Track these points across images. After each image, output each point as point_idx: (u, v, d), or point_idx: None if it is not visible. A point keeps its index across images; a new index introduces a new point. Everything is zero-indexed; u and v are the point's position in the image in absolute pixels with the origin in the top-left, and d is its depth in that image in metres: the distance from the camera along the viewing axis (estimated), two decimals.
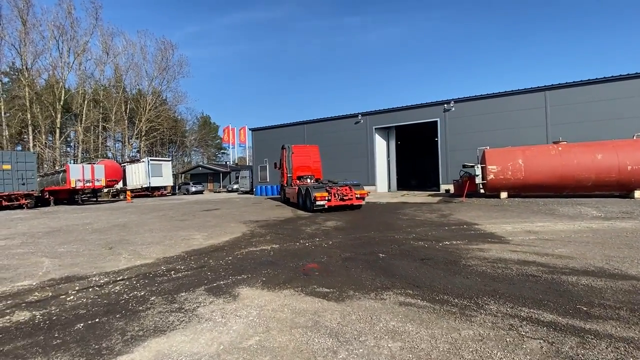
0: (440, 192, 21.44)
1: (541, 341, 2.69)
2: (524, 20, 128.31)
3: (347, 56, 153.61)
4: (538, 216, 9.88)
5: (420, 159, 36.01)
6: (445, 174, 21.70)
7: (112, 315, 3.53)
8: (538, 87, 18.89)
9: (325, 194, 12.58)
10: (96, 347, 2.85)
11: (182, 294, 4.12)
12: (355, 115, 25.51)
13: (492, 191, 15.66)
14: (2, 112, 36.86)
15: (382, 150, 25.40)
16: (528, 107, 19.15)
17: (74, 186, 22.26)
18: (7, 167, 20.44)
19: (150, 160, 32.98)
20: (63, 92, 40.07)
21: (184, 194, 38.46)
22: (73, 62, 41.11)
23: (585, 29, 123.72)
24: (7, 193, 19.95)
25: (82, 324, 3.34)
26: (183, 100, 70.21)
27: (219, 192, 42.56)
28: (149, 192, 32.24)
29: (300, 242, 7.24)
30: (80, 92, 41.74)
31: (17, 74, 41.58)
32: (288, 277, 4.72)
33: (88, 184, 23.13)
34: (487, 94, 20.56)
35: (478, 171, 15.63)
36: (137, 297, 4.07)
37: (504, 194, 15.36)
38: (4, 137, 36.86)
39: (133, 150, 50.42)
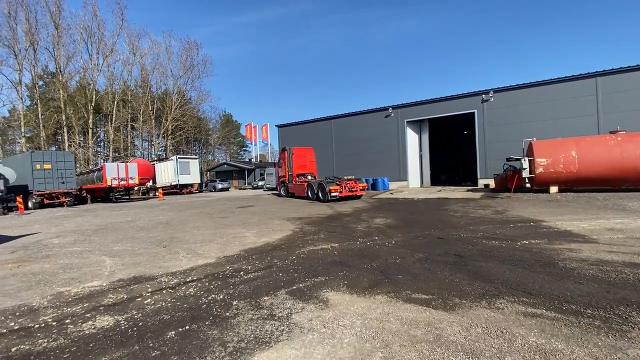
0: (478, 187, 20.49)
1: None
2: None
3: (366, 51, 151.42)
4: (608, 212, 9.05)
5: (448, 153, 34.78)
6: (483, 168, 20.68)
7: (201, 322, 3.25)
8: (588, 73, 17.48)
9: (337, 187, 15.43)
10: None
11: (265, 298, 3.81)
12: (385, 109, 24.74)
13: (540, 185, 14.72)
14: (39, 114, 38.38)
15: (413, 145, 24.55)
16: (576, 96, 17.82)
17: (110, 184, 22.82)
18: (47, 166, 21.14)
19: (179, 158, 33.43)
20: (94, 93, 41.33)
21: (211, 191, 38.92)
22: (102, 64, 42.27)
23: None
24: (48, 191, 20.64)
25: (173, 332, 3.08)
26: (207, 98, 71.57)
27: (244, 189, 42.85)
28: (177, 189, 32.76)
29: (359, 240, 6.84)
30: (109, 93, 42.94)
31: (50, 77, 43.22)
32: (370, 280, 4.33)
33: (122, 182, 23.67)
34: (530, 83, 19.31)
35: (525, 164, 14.69)
36: (217, 301, 3.79)
37: (553, 189, 14.38)
38: (41, 138, 38.41)
39: (160, 148, 51.55)
